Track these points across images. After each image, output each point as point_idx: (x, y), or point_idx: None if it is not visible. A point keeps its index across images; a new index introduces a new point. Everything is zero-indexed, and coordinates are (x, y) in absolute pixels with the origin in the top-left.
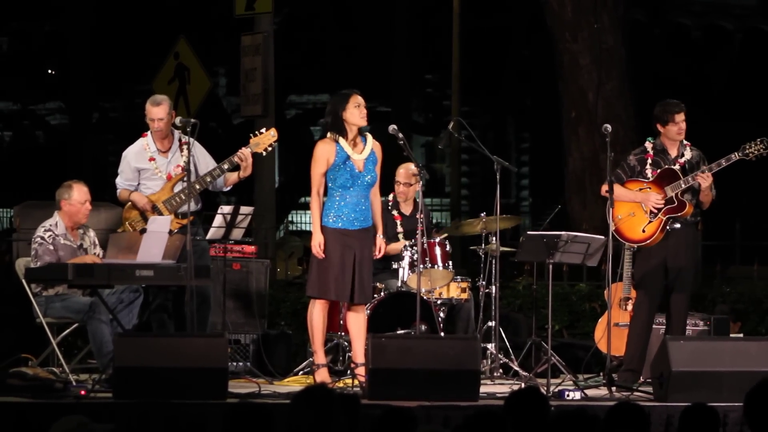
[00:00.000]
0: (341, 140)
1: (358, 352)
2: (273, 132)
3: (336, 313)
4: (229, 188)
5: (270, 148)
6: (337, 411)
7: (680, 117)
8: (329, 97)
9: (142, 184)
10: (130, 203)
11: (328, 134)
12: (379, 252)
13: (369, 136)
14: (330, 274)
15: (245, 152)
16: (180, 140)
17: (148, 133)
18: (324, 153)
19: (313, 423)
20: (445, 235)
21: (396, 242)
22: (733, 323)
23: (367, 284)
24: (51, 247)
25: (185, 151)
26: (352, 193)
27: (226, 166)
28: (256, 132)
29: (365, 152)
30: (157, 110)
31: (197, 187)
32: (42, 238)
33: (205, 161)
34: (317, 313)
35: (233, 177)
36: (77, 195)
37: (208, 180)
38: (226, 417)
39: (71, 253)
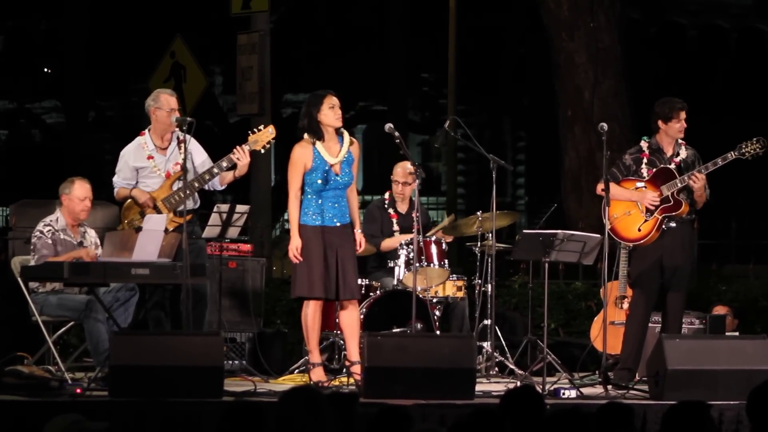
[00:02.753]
0: (318, 144)
1: (352, 350)
2: (271, 129)
3: (332, 312)
4: (223, 187)
5: (268, 145)
6: (324, 411)
7: (684, 114)
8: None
9: (140, 182)
10: (129, 201)
11: (305, 137)
12: (359, 246)
13: (346, 135)
14: (315, 272)
15: (243, 151)
16: (178, 138)
17: (146, 131)
18: (301, 157)
19: (300, 424)
20: (441, 232)
21: (392, 237)
22: (733, 319)
23: (352, 280)
24: (49, 242)
25: (182, 149)
26: (329, 195)
27: (224, 164)
28: (254, 129)
29: (341, 155)
30: (175, 100)
31: (196, 185)
32: (41, 232)
33: (200, 158)
34: (311, 313)
35: (229, 176)
36: (78, 191)
37: (207, 178)
38: (219, 416)
39: (70, 249)
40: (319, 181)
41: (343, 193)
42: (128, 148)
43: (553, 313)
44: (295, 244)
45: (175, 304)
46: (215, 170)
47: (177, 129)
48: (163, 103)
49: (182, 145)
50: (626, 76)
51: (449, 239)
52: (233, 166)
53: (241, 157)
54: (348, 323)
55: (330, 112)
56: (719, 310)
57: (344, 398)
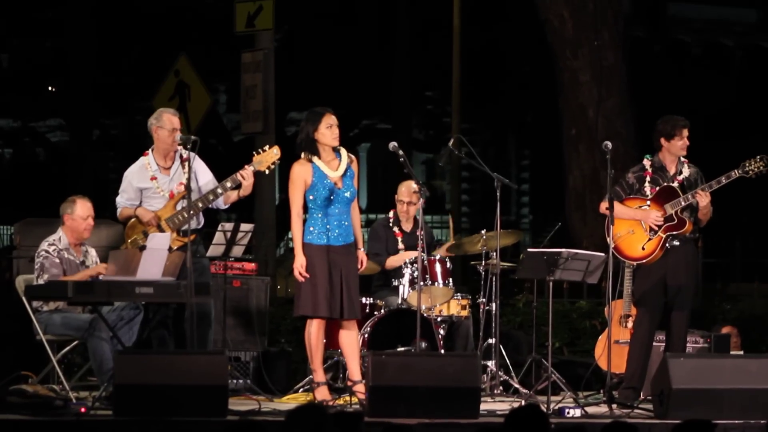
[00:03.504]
0: (315, 159)
1: (354, 370)
2: (276, 150)
3: (336, 330)
4: (227, 206)
5: (273, 166)
6: (329, 430)
7: (686, 132)
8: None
9: (144, 203)
10: (133, 220)
11: (303, 155)
12: (361, 265)
13: (343, 151)
14: (320, 291)
15: (248, 171)
16: (182, 157)
17: (149, 151)
18: (301, 174)
19: None
20: (449, 244)
21: (396, 255)
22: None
23: (355, 299)
24: (57, 260)
25: (186, 168)
26: (333, 211)
27: (229, 185)
28: (260, 150)
29: (341, 168)
30: (177, 120)
31: (200, 205)
32: (47, 251)
33: (205, 178)
34: (314, 332)
35: (233, 195)
36: (80, 210)
37: (211, 198)
38: None
39: (74, 268)
40: (323, 197)
41: (348, 209)
42: (132, 169)
43: (558, 332)
44: (300, 261)
45: (179, 323)
46: (219, 191)
47: (180, 148)
48: (165, 123)
49: (186, 163)
50: (630, 94)
51: (451, 254)
52: (238, 186)
53: (246, 177)
54: (348, 343)
55: (327, 132)
56: (727, 330)
57: (349, 417)
